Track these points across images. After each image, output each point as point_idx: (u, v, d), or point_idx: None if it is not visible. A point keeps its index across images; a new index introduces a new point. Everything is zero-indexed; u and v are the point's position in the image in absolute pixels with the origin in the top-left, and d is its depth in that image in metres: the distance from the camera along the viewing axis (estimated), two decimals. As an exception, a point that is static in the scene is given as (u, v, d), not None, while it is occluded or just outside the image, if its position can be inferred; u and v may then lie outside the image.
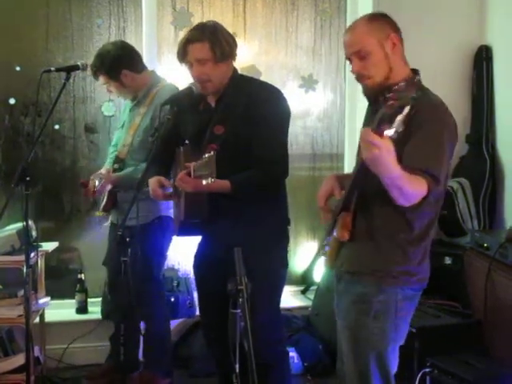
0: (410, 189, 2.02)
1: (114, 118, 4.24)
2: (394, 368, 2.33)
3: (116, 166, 3.53)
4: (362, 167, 2.12)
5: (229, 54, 2.81)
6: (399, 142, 2.10)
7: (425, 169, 2.05)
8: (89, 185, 3.47)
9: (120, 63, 3.50)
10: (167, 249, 3.68)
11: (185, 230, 2.88)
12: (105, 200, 3.57)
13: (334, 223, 2.32)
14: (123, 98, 3.69)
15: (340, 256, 2.34)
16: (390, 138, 1.86)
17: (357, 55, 2.23)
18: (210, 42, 2.73)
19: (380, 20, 2.27)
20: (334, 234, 2.31)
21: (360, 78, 2.26)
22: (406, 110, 1.84)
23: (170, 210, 3.47)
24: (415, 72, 2.29)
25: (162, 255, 3.70)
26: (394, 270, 2.23)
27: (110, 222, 3.74)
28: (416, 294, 2.32)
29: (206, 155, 2.42)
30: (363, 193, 2.22)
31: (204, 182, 2.42)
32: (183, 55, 2.78)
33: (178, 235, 2.97)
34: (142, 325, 3.67)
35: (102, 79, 3.53)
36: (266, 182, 2.73)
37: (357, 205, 2.24)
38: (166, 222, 3.55)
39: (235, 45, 2.85)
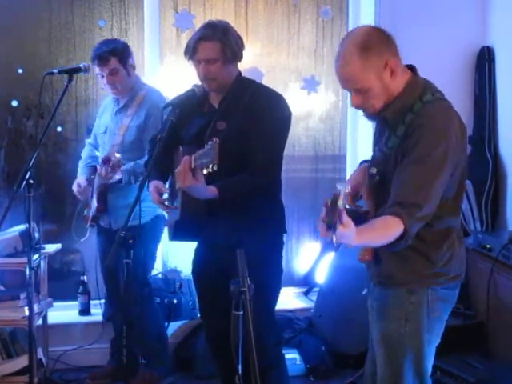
0: (382, 238, 1.99)
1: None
2: (429, 369, 2.29)
3: None
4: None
5: (237, 56, 2.83)
6: (397, 157, 2.11)
7: (400, 200, 2.01)
8: (112, 159, 3.36)
9: (130, 52, 3.62)
10: (156, 250, 3.78)
11: (180, 233, 2.86)
12: (95, 203, 3.57)
13: None
14: (115, 94, 3.63)
15: (370, 268, 2.32)
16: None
17: (355, 90, 2.16)
18: (221, 42, 2.74)
19: (374, 48, 2.09)
20: (358, 254, 2.26)
21: (360, 108, 2.22)
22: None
23: None
24: (412, 70, 2.23)
25: (153, 257, 3.78)
26: (421, 275, 2.20)
27: (95, 226, 3.73)
28: (450, 293, 2.26)
29: (209, 143, 2.41)
30: (376, 208, 2.20)
31: (205, 172, 2.41)
32: (193, 52, 2.78)
33: (171, 239, 2.95)
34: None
35: (112, 63, 3.48)
36: (254, 188, 2.73)
37: None
38: (158, 222, 3.61)
39: (243, 47, 2.87)
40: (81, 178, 3.72)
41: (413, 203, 2.01)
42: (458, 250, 2.27)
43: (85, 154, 3.89)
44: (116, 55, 3.50)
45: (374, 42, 2.11)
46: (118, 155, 3.30)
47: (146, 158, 3.42)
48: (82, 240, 3.79)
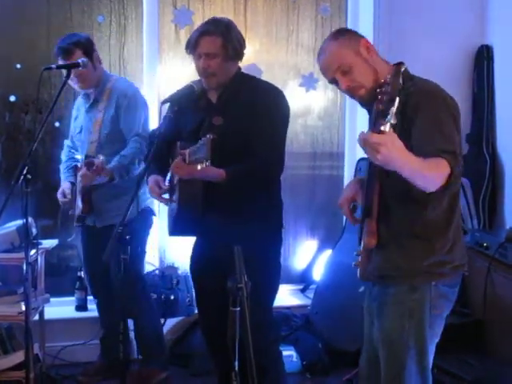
0: (433, 172, 1.97)
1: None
2: (430, 365, 2.31)
3: None
4: (372, 171, 2.14)
5: (238, 54, 2.83)
6: (402, 134, 2.10)
7: (438, 150, 2.02)
8: (95, 162, 3.33)
9: (93, 45, 3.58)
10: (146, 243, 3.74)
11: (178, 228, 2.86)
12: (80, 205, 3.55)
13: (361, 231, 2.29)
14: (81, 88, 3.59)
15: (372, 262, 2.30)
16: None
17: (339, 72, 2.23)
18: (223, 38, 2.75)
19: (346, 34, 2.31)
20: (362, 242, 2.26)
21: (352, 91, 2.25)
22: (397, 101, 1.87)
23: (148, 199, 3.51)
24: (399, 65, 2.25)
25: (143, 251, 3.75)
26: (424, 263, 2.20)
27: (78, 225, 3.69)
28: (451, 291, 2.28)
29: (202, 139, 2.43)
30: (381, 196, 2.19)
31: (199, 167, 2.41)
32: (194, 46, 2.78)
33: (170, 235, 2.94)
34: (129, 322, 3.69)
35: (77, 55, 3.37)
36: (260, 175, 2.74)
37: (378, 209, 2.20)
38: (146, 215, 3.59)
39: (244, 46, 2.87)
40: (65, 185, 3.67)
41: (448, 151, 2.02)
42: (459, 240, 2.29)
43: (64, 156, 3.85)
44: (80, 47, 3.44)
45: (345, 32, 2.37)
46: (101, 157, 3.29)
47: (128, 149, 3.45)
48: (69, 240, 3.78)
